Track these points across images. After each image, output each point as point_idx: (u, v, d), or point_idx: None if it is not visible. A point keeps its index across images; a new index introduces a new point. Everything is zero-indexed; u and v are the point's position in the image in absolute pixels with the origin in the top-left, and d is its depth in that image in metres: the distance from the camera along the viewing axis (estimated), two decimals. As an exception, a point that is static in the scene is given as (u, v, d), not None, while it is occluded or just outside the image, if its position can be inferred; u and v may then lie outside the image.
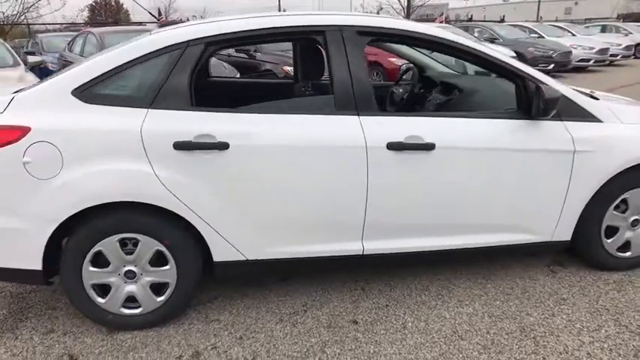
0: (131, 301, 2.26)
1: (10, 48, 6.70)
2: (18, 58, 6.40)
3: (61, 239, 2.18)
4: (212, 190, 2.15)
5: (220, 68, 6.62)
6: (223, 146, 2.11)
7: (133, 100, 2.13)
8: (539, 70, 2.55)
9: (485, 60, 2.43)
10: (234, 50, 8.31)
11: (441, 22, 13.56)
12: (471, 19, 23.39)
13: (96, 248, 2.14)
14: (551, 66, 11.99)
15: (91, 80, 2.12)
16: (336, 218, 2.31)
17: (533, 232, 2.54)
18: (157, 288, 2.27)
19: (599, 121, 2.49)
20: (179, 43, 2.18)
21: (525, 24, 16.21)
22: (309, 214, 2.28)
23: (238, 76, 6.95)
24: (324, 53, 2.46)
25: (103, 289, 2.24)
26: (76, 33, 10.04)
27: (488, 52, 2.42)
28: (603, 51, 14.06)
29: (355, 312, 2.42)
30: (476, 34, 13.23)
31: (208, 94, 2.59)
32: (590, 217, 2.58)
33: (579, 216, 2.55)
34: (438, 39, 2.40)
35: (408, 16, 23.16)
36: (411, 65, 3.52)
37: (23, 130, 2.01)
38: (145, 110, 2.11)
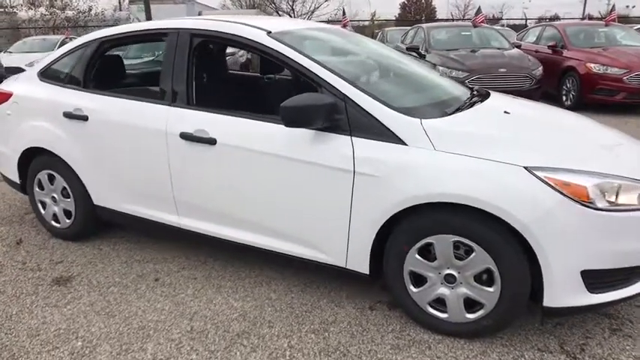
0: (56, 218, 3.30)
1: None
2: None
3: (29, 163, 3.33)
4: (83, 149, 2.95)
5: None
6: (85, 118, 2.88)
7: (58, 79, 3.12)
8: None
9: (295, 68, 2.36)
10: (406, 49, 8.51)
11: None
12: None
13: (37, 177, 3.26)
14: None
15: (46, 65, 3.21)
16: (154, 190, 2.76)
17: (324, 252, 2.36)
18: (67, 213, 3.24)
19: (402, 143, 2.09)
20: (87, 42, 3.03)
21: None
22: (136, 181, 2.82)
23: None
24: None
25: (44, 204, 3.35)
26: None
27: (301, 62, 2.32)
28: None
29: (170, 272, 2.83)
30: None
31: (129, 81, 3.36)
32: (389, 254, 2.21)
33: (374, 249, 2.21)
34: (254, 43, 2.47)
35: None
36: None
37: (8, 94, 3.26)
38: (60, 87, 3.06)
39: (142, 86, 3.12)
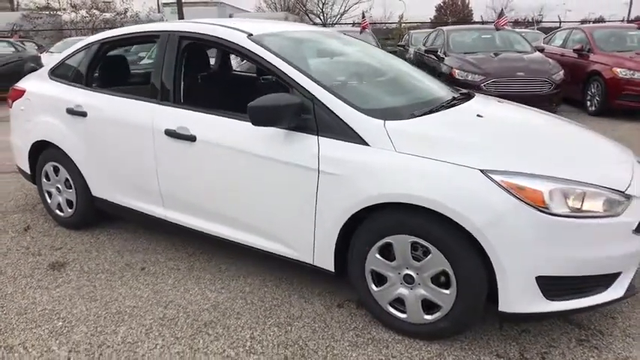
0: (60, 207, 3.50)
1: None
2: None
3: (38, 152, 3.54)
4: (83, 143, 3.13)
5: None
6: (85, 114, 3.05)
7: (65, 77, 3.31)
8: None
9: (269, 69, 2.44)
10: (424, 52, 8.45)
11: None
12: None
13: (44, 168, 3.47)
14: None
15: (55, 64, 3.41)
16: (143, 183, 2.90)
17: (294, 248, 2.42)
18: (70, 203, 3.43)
19: (364, 143, 2.14)
20: (90, 43, 3.21)
21: None
22: (127, 175, 2.96)
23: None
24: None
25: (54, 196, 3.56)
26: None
27: (274, 63, 2.40)
28: None
29: (156, 263, 2.96)
30: None
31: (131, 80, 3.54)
32: (352, 253, 2.25)
33: (338, 248, 2.26)
34: (234, 45, 2.57)
35: None
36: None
37: (22, 91, 3.49)
38: (66, 85, 3.25)
39: (137, 85, 3.27)
